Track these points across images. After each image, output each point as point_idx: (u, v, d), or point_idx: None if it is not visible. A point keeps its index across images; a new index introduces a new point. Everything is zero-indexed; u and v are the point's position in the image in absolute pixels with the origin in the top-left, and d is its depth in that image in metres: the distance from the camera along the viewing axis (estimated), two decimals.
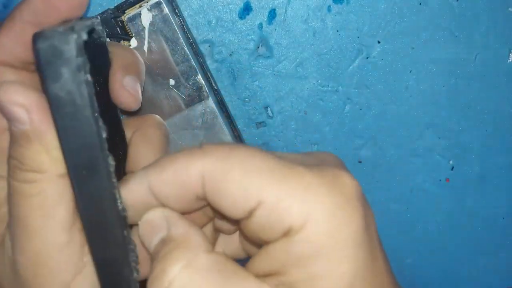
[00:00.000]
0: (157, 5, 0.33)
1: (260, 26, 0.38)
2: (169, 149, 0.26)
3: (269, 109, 0.40)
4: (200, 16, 0.38)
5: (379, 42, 0.38)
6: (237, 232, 0.26)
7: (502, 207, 0.43)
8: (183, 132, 0.36)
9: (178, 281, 0.19)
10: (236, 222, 0.21)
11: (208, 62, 0.38)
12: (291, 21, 0.38)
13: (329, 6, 0.38)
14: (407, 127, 0.40)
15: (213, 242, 0.26)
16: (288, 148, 0.40)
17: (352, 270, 0.19)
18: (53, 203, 0.21)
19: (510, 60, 0.39)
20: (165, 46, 0.34)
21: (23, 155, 0.20)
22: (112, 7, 0.36)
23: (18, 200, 0.21)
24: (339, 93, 0.40)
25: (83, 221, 0.21)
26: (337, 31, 0.38)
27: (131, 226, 0.22)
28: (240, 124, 0.40)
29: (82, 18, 0.22)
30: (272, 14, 0.38)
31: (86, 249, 0.22)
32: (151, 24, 0.34)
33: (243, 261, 0.23)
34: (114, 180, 0.20)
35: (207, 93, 0.36)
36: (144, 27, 0.34)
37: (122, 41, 0.36)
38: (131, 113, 0.31)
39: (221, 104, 0.38)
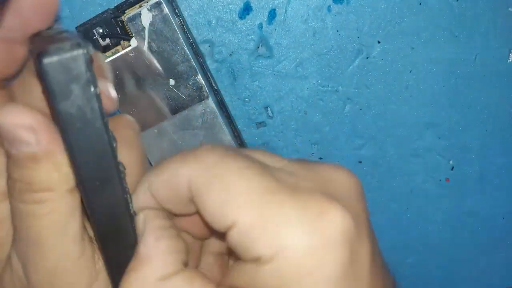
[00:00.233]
0: (157, 5, 0.33)
1: (260, 26, 0.38)
2: (142, 145, 0.26)
3: (269, 109, 0.40)
4: (200, 16, 0.38)
5: (379, 42, 0.38)
6: None
7: (502, 207, 0.43)
8: (183, 132, 0.36)
9: None
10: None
11: (208, 62, 0.38)
12: (291, 21, 0.38)
13: (329, 6, 0.38)
14: (407, 127, 0.40)
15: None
16: (288, 148, 0.40)
17: None
18: (65, 218, 0.20)
19: (510, 60, 0.39)
20: (165, 46, 0.34)
21: (31, 176, 0.20)
22: (112, 7, 0.36)
23: (29, 222, 0.20)
24: (339, 93, 0.40)
25: (97, 229, 0.21)
26: (337, 31, 0.38)
27: None
28: (240, 124, 0.40)
29: (52, 28, 0.22)
30: (272, 14, 0.38)
31: (96, 256, 0.22)
32: (151, 24, 0.34)
33: None
34: (126, 186, 0.21)
35: (207, 93, 0.36)
36: (144, 27, 0.34)
37: (122, 41, 0.36)
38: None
39: (221, 104, 0.38)
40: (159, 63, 0.35)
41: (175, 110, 0.36)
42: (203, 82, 0.35)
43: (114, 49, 0.36)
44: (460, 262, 0.44)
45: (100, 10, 0.36)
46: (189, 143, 0.37)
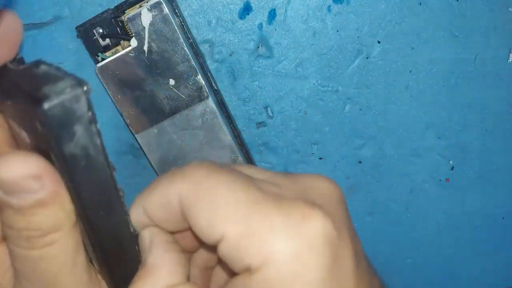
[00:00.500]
0: (157, 5, 0.33)
1: (260, 26, 0.38)
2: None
3: (269, 109, 0.40)
4: (200, 16, 0.38)
5: (379, 42, 0.38)
6: None
7: (502, 207, 0.43)
8: (183, 132, 0.36)
9: None
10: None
11: (208, 62, 0.38)
12: (291, 21, 0.38)
13: (329, 6, 0.38)
14: (407, 127, 0.40)
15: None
16: (288, 148, 0.40)
17: None
18: (75, 252, 0.21)
19: (510, 60, 0.39)
20: (165, 46, 0.34)
21: (39, 222, 0.19)
22: (112, 7, 0.36)
23: (42, 266, 0.20)
24: (339, 93, 0.40)
25: (102, 252, 0.21)
26: (337, 31, 0.38)
27: None
28: (240, 124, 0.40)
29: (16, 60, 0.21)
30: (272, 14, 0.38)
31: (99, 276, 0.23)
32: (151, 24, 0.34)
33: None
34: (126, 208, 0.21)
35: (207, 93, 0.36)
36: (144, 27, 0.34)
37: (122, 41, 0.36)
38: None
39: (221, 104, 0.38)
40: (159, 63, 0.35)
41: (175, 110, 0.36)
42: (203, 82, 0.35)
43: (114, 49, 0.36)
44: (460, 262, 0.44)
45: (100, 10, 0.36)
46: (189, 143, 0.37)
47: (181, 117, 0.36)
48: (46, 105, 0.17)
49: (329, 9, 0.38)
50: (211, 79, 0.37)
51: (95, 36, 0.35)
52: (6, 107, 0.21)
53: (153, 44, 0.34)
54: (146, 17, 0.34)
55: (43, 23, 0.37)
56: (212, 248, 0.21)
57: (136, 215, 0.22)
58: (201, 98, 0.36)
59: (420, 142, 0.41)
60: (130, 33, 0.34)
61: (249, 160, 0.39)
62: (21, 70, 0.19)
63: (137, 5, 0.35)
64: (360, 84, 0.39)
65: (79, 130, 0.18)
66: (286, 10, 0.38)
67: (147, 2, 0.34)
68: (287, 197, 0.20)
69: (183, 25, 0.36)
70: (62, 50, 0.37)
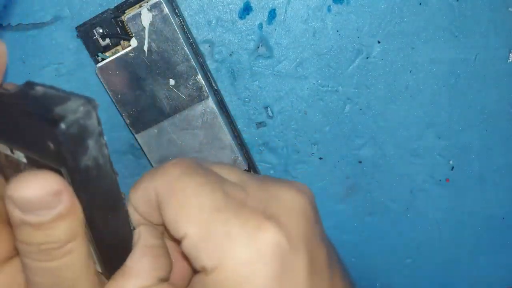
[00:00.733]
0: (157, 5, 0.33)
1: (260, 26, 0.38)
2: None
3: (269, 109, 0.40)
4: (200, 16, 0.38)
5: (379, 42, 0.38)
6: None
7: (502, 207, 0.43)
8: (183, 132, 0.36)
9: None
10: None
11: (208, 62, 0.38)
12: (291, 21, 0.38)
13: (329, 6, 0.38)
14: (407, 127, 0.40)
15: None
16: (288, 148, 0.40)
17: None
18: (88, 257, 0.22)
19: (510, 60, 0.39)
20: (165, 46, 0.34)
21: (57, 235, 0.20)
22: (112, 7, 0.36)
23: (61, 275, 0.21)
24: (339, 93, 0.40)
25: (106, 252, 0.22)
26: (337, 31, 0.38)
27: None
28: (240, 124, 0.40)
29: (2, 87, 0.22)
30: (272, 14, 0.38)
31: (102, 277, 0.24)
32: (151, 24, 0.34)
33: None
34: (127, 209, 0.23)
35: (207, 93, 0.36)
36: (144, 27, 0.34)
37: (122, 41, 0.36)
38: None
39: (221, 104, 0.38)
40: (159, 63, 0.35)
41: (175, 110, 0.36)
42: (203, 82, 0.35)
43: (114, 49, 0.36)
44: (460, 262, 0.44)
45: (100, 10, 0.36)
46: (189, 143, 0.37)
47: (181, 117, 0.36)
48: (63, 125, 0.18)
49: (329, 9, 0.38)
50: (211, 79, 0.37)
51: (95, 36, 0.35)
52: None
53: (153, 44, 0.34)
54: (146, 17, 0.34)
55: (43, 23, 0.37)
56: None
57: (130, 210, 0.24)
58: (201, 98, 0.36)
59: (420, 142, 0.41)
60: (130, 33, 0.34)
61: (249, 160, 0.39)
62: (16, 93, 0.20)
63: (137, 5, 0.35)
64: (360, 84, 0.39)
65: (91, 143, 0.19)
66: (286, 10, 0.38)
67: (147, 2, 0.34)
68: (249, 205, 0.22)
69: (183, 25, 0.36)
70: (62, 50, 0.37)
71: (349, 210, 0.42)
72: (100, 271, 0.23)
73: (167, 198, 0.22)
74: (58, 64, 0.38)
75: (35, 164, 0.20)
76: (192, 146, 0.37)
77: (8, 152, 0.21)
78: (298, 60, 0.39)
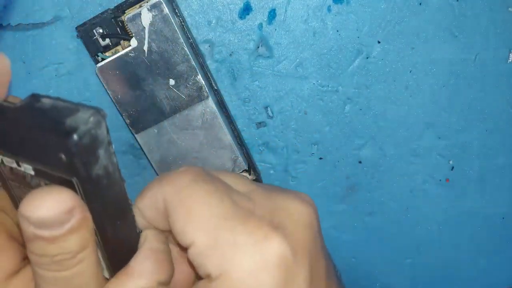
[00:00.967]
0: (157, 5, 0.33)
1: (260, 26, 0.38)
2: None
3: (269, 109, 0.40)
4: (200, 16, 0.38)
5: (379, 42, 0.38)
6: None
7: (502, 207, 0.43)
8: (183, 132, 0.36)
9: None
10: None
11: (208, 62, 0.38)
12: (291, 21, 0.38)
13: (329, 6, 0.38)
14: (407, 127, 0.40)
15: None
16: (288, 148, 0.40)
17: None
18: (98, 263, 0.22)
19: (510, 60, 0.39)
20: (165, 46, 0.34)
21: (70, 247, 0.20)
22: (112, 7, 0.36)
23: (75, 283, 0.21)
24: (339, 93, 0.40)
25: (117, 255, 0.23)
26: (337, 31, 0.38)
27: None
28: (240, 124, 0.40)
29: (6, 100, 0.22)
30: (272, 14, 0.38)
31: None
32: (151, 24, 0.34)
33: None
34: (133, 214, 0.23)
35: (207, 93, 0.36)
36: (144, 27, 0.34)
37: (122, 41, 0.36)
38: None
39: (221, 104, 0.38)
40: (159, 63, 0.35)
41: (175, 110, 0.36)
42: (203, 82, 0.35)
43: (114, 49, 0.36)
44: (460, 262, 0.44)
45: (100, 10, 0.36)
46: (189, 143, 0.37)
47: (181, 117, 0.36)
48: (75, 136, 0.18)
49: (329, 9, 0.38)
50: (211, 79, 0.37)
51: (95, 36, 0.35)
52: None
53: (153, 44, 0.34)
54: (146, 17, 0.34)
55: (43, 23, 0.37)
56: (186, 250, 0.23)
57: (137, 215, 0.24)
58: (201, 98, 0.36)
59: (420, 142, 0.41)
60: (130, 33, 0.34)
61: (249, 160, 0.39)
62: (22, 106, 0.20)
63: (137, 5, 0.35)
64: (360, 84, 0.39)
65: (101, 153, 0.19)
66: (286, 10, 0.38)
67: (147, 2, 0.34)
68: (256, 215, 0.23)
69: (183, 25, 0.36)
70: (62, 50, 0.37)
71: (349, 210, 0.42)
72: (107, 277, 0.24)
73: (175, 205, 0.22)
74: (58, 64, 0.38)
75: (44, 175, 0.20)
76: (192, 146, 0.37)
77: (14, 165, 0.21)
78: (298, 60, 0.39)
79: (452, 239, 0.43)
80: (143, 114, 0.36)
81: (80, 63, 0.37)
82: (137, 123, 0.36)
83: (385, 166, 0.41)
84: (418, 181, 0.42)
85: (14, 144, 0.20)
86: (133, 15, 0.34)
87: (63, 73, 0.38)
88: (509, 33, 0.39)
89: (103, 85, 0.35)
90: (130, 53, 0.34)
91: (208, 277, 0.22)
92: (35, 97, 0.20)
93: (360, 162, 0.41)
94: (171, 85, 0.35)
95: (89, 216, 0.20)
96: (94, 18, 0.35)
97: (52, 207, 0.19)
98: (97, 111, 0.19)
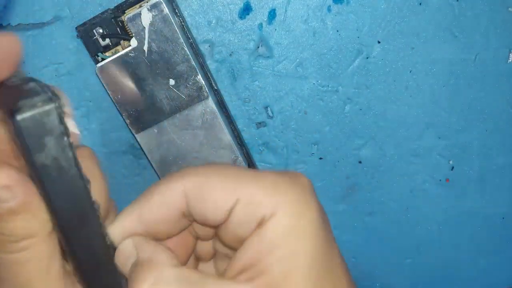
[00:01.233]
0: (157, 5, 0.33)
1: (260, 26, 0.38)
2: (104, 175, 0.28)
3: (269, 109, 0.40)
4: (200, 16, 0.38)
5: (379, 42, 0.38)
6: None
7: (502, 207, 0.43)
8: (183, 132, 0.36)
9: None
10: (216, 229, 0.25)
11: (208, 62, 0.38)
12: (291, 21, 0.38)
13: (329, 6, 0.38)
14: (407, 127, 0.40)
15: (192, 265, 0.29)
16: (288, 148, 0.40)
17: (315, 246, 0.22)
18: (48, 260, 0.22)
19: (510, 60, 0.39)
20: (165, 46, 0.34)
21: (11, 228, 0.21)
22: (112, 7, 0.36)
23: (15, 270, 0.22)
24: (339, 93, 0.40)
25: (77, 264, 0.22)
26: (337, 31, 0.38)
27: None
28: (240, 124, 0.40)
29: (15, 76, 0.23)
30: (272, 14, 0.38)
31: (78, 286, 0.24)
32: (151, 24, 0.34)
33: None
34: (101, 221, 0.22)
35: (207, 93, 0.36)
36: (144, 27, 0.34)
37: (122, 41, 0.36)
38: None
39: (221, 104, 0.38)
40: (159, 63, 0.35)
41: (175, 110, 0.36)
42: (203, 82, 0.35)
43: (114, 49, 0.36)
44: (460, 262, 0.44)
45: (100, 10, 0.36)
46: (189, 143, 0.37)
47: (181, 117, 0.36)
48: (18, 117, 0.18)
49: (329, 9, 0.38)
50: (211, 79, 0.37)
51: (95, 36, 0.35)
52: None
53: (153, 44, 0.34)
54: (146, 17, 0.34)
55: (43, 23, 0.37)
56: (214, 229, 0.24)
57: (129, 224, 0.24)
58: (201, 98, 0.36)
59: (420, 142, 0.41)
60: (130, 33, 0.34)
61: (249, 160, 0.39)
62: (11, 86, 0.20)
63: (137, 5, 0.35)
64: (360, 84, 0.39)
65: (50, 141, 0.19)
66: (286, 10, 0.38)
67: (147, 2, 0.34)
68: (277, 171, 0.25)
69: (183, 25, 0.36)
70: (62, 50, 0.37)
71: (349, 210, 0.42)
72: None
73: (203, 183, 0.23)
74: (58, 64, 0.38)
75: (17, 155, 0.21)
76: (192, 146, 0.37)
77: None
78: (298, 60, 0.39)
79: (452, 239, 0.43)
80: (143, 114, 0.36)
81: (80, 63, 0.37)
82: (137, 123, 0.36)
83: (385, 166, 0.41)
84: (418, 181, 0.42)
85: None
86: (133, 15, 0.34)
87: (63, 73, 0.38)
88: (509, 33, 0.39)
89: (103, 85, 0.35)
90: (130, 53, 0.34)
91: (262, 222, 0.22)
92: (26, 80, 0.20)
93: (360, 162, 0.41)
94: (171, 85, 0.35)
95: (36, 203, 0.20)
96: (94, 18, 0.35)
97: None
98: (50, 98, 0.19)
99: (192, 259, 0.28)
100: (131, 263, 0.23)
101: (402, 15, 0.38)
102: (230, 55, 0.38)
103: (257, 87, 0.39)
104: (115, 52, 0.35)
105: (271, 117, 0.40)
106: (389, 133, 0.40)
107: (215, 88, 0.38)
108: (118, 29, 0.35)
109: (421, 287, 0.45)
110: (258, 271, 0.22)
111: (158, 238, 0.25)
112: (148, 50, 0.34)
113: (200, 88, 0.35)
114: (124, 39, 0.35)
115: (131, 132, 0.37)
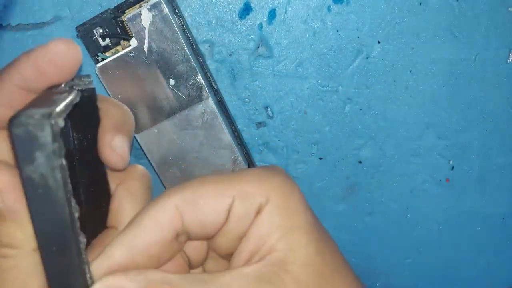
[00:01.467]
0: (157, 5, 0.33)
1: (260, 26, 0.38)
2: (149, 198, 0.27)
3: (269, 109, 0.40)
4: (200, 16, 0.38)
5: (379, 42, 0.38)
6: None
7: (502, 207, 0.43)
8: (183, 132, 0.36)
9: None
10: (212, 239, 0.25)
11: (208, 62, 0.38)
12: (291, 21, 0.38)
13: (329, 6, 0.38)
14: (407, 127, 0.40)
15: None
16: (288, 148, 0.40)
17: (307, 218, 0.24)
18: (27, 276, 0.21)
19: (510, 60, 0.39)
20: (165, 46, 0.34)
21: None
22: (112, 7, 0.36)
23: None
24: (339, 93, 0.40)
25: None
26: (337, 31, 0.38)
27: None
28: (240, 124, 0.40)
29: (75, 78, 0.23)
30: (272, 14, 0.38)
31: None
32: (151, 24, 0.34)
33: None
34: (84, 256, 0.21)
35: (207, 93, 0.36)
36: (144, 27, 0.34)
37: (122, 41, 0.36)
38: None
39: (221, 104, 0.38)
40: (159, 63, 0.35)
41: (175, 110, 0.36)
42: (203, 82, 0.35)
43: (114, 49, 0.36)
44: (460, 262, 0.44)
45: (100, 10, 0.36)
46: (189, 143, 0.37)
47: (181, 117, 0.36)
48: (13, 128, 0.18)
49: (329, 9, 0.38)
50: (211, 79, 0.37)
51: (95, 36, 0.35)
52: None
53: (153, 44, 0.34)
54: (146, 17, 0.34)
55: (43, 23, 0.37)
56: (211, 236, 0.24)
57: (119, 258, 0.22)
58: (201, 98, 0.36)
59: (420, 142, 0.41)
60: (130, 33, 0.34)
61: (249, 160, 0.39)
62: (50, 93, 0.21)
63: (137, 5, 0.35)
64: (360, 84, 0.39)
65: (40, 157, 0.19)
66: (286, 10, 0.38)
67: (147, 2, 0.34)
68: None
69: (183, 25, 0.36)
70: None
71: (349, 210, 0.42)
72: None
73: (196, 193, 0.23)
74: None
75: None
76: (192, 146, 0.37)
77: None
78: (298, 60, 0.39)
79: (452, 239, 0.43)
80: (143, 114, 0.36)
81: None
82: (137, 123, 0.36)
83: (385, 166, 0.41)
84: (418, 181, 0.42)
85: None
86: (133, 15, 0.34)
87: None
88: (509, 33, 0.39)
89: (103, 85, 0.35)
90: (130, 53, 0.34)
91: (260, 209, 0.23)
92: (68, 90, 0.21)
93: (360, 162, 0.41)
94: (171, 85, 0.35)
95: (23, 214, 0.20)
96: (94, 18, 0.35)
97: None
98: (49, 114, 0.18)
99: None
100: None
101: (402, 15, 0.38)
102: (230, 55, 0.38)
103: (257, 87, 0.39)
104: (115, 52, 0.35)
105: (271, 117, 0.40)
106: (389, 133, 0.40)
107: (215, 88, 0.38)
108: (118, 29, 0.35)
109: (421, 287, 0.45)
110: (264, 252, 0.23)
111: (149, 268, 0.23)
112: (148, 50, 0.34)
113: (200, 88, 0.35)
114: (124, 39, 0.35)
115: None
